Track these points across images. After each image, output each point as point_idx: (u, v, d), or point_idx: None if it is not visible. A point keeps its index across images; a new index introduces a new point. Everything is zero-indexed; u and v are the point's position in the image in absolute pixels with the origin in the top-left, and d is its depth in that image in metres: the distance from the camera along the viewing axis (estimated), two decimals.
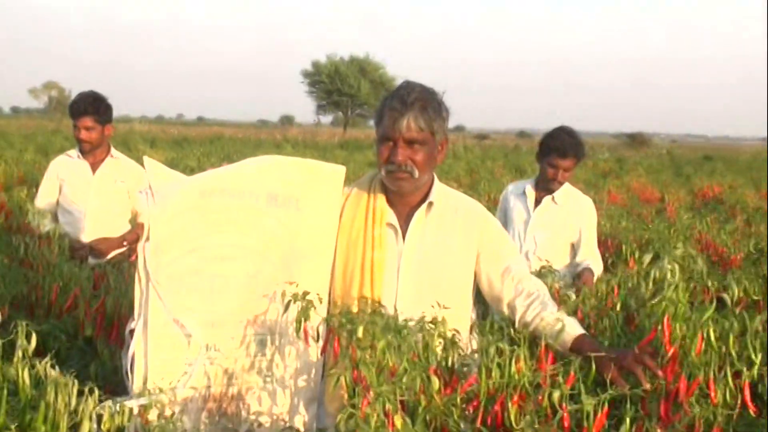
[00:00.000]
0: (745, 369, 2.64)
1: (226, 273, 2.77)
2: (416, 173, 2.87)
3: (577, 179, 15.99)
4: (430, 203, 2.98)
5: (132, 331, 2.65)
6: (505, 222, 5.25)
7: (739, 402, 2.65)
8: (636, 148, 51.83)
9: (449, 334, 2.58)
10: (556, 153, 4.95)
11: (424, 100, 2.86)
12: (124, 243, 5.23)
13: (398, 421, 2.20)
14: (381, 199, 2.98)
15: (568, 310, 3.37)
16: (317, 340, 2.64)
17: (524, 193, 5.20)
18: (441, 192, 3.03)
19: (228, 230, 2.79)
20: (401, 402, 2.31)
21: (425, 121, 2.84)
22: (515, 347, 2.50)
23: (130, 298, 2.76)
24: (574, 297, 3.66)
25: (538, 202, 5.13)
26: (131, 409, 2.35)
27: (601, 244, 6.04)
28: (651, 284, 2.75)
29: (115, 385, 2.93)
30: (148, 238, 2.66)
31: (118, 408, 2.27)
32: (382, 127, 2.89)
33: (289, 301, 2.57)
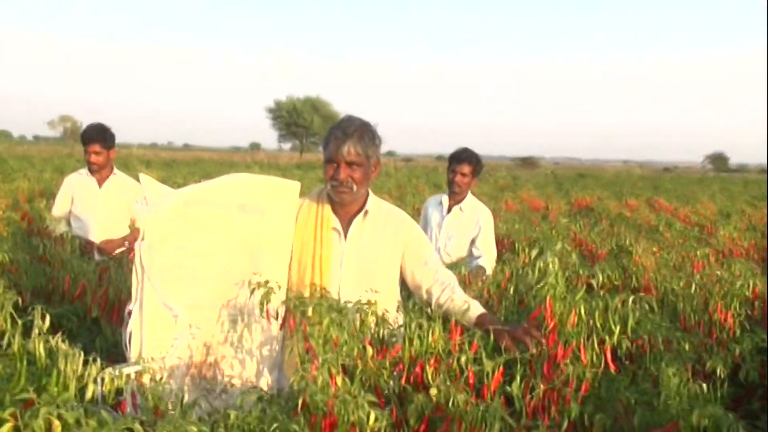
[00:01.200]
0: (607, 337, 2.70)
1: (205, 267, 2.75)
2: (355, 188, 2.91)
3: (481, 193, 16.16)
4: (366, 211, 3.01)
5: (130, 313, 2.62)
6: (426, 226, 5.30)
7: (602, 363, 2.71)
8: (527, 168, 52.50)
9: (380, 313, 2.60)
10: (456, 161, 5.09)
11: (361, 131, 2.89)
12: (126, 243, 5.16)
13: (339, 381, 2.20)
14: (327, 208, 3.00)
15: (474, 294, 3.41)
16: (277, 319, 2.64)
17: (441, 203, 5.26)
18: (375, 203, 3.07)
19: (207, 233, 2.77)
20: (342, 366, 2.32)
21: (362, 148, 2.88)
22: (431, 323, 2.53)
23: (129, 287, 2.73)
24: (480, 284, 3.71)
25: (449, 210, 5.19)
26: (129, 375, 2.33)
27: (499, 242, 6.11)
28: (536, 273, 2.78)
29: (116, 355, 2.90)
30: (143, 239, 2.64)
31: (117, 373, 2.25)
32: (328, 152, 2.91)
33: (254, 288, 2.57)
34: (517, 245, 5.62)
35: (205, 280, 2.75)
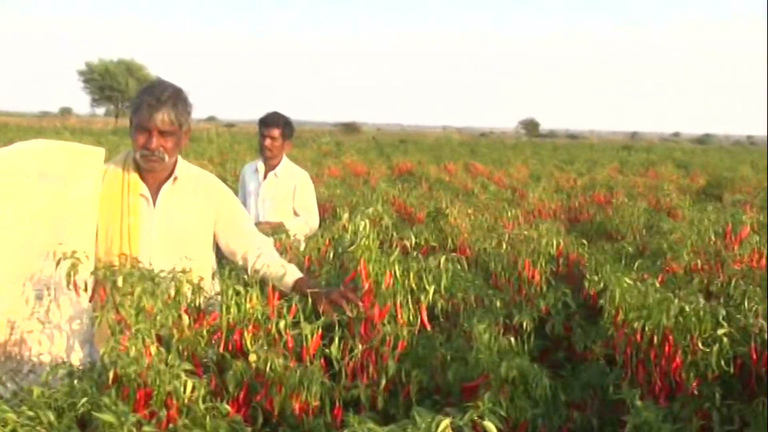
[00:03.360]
0: (422, 297, 2.79)
1: (3, 239, 2.60)
2: (166, 158, 2.85)
3: (304, 158, 16.17)
4: (175, 177, 2.95)
5: None
6: (244, 193, 5.25)
7: (419, 321, 2.81)
8: (350, 134, 53.02)
9: (196, 281, 2.56)
10: (264, 125, 5.07)
11: (175, 98, 2.82)
12: None
13: (154, 351, 2.16)
14: (134, 174, 2.92)
15: (297, 259, 3.43)
16: (86, 290, 2.55)
17: (256, 169, 5.22)
18: (184, 168, 3.01)
19: (4, 203, 2.62)
20: (157, 336, 2.27)
21: (175, 116, 2.80)
22: (249, 289, 2.52)
23: None
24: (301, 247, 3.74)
25: (265, 176, 5.16)
26: None
27: (321, 207, 6.15)
28: (350, 236, 2.84)
29: None
30: None
31: None
32: (139, 118, 2.81)
33: (60, 260, 2.46)
34: (338, 210, 5.69)
35: (5, 253, 2.60)
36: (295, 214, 5.09)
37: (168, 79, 2.97)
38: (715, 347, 2.93)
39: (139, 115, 2.81)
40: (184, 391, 2.07)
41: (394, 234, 4.31)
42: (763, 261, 4.38)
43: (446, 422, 1.45)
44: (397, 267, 2.70)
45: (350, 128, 59.69)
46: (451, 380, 2.74)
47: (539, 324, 3.78)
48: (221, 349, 2.46)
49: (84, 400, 1.99)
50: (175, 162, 2.97)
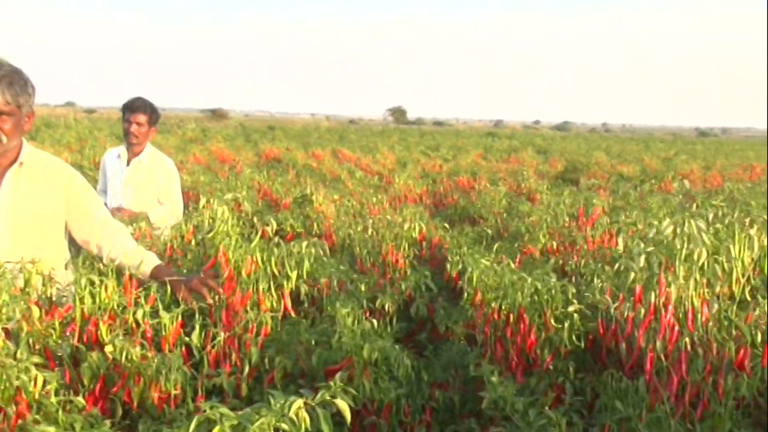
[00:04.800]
0: (285, 282, 2.80)
1: None
2: (5, 140, 2.69)
3: (168, 145, 15.77)
4: (21, 163, 2.79)
5: None
6: (104, 181, 5.08)
7: (282, 307, 2.82)
8: (217, 120, 52.08)
9: (47, 272, 2.46)
10: (130, 110, 4.90)
11: (11, 78, 2.66)
12: None
13: (0, 344, 2.06)
14: None
15: (158, 247, 3.35)
16: None
17: (119, 156, 5.04)
18: (31, 153, 2.85)
19: None
20: (5, 330, 2.17)
21: (12, 96, 2.64)
22: (104, 278, 2.44)
23: None
24: (166, 235, 3.65)
25: (129, 163, 5.00)
26: None
27: (185, 194, 6.04)
28: (209, 222, 2.81)
29: None
30: None
31: None
32: None
33: None
34: (201, 197, 5.59)
35: None
36: (159, 202, 4.96)
37: (21, 64, 2.80)
38: (567, 323, 3.08)
39: None
40: (35, 386, 1.99)
41: (256, 220, 4.28)
42: (614, 241, 4.61)
43: (299, 403, 1.47)
44: (258, 253, 2.69)
45: (217, 115, 58.59)
46: (315, 365, 2.76)
47: (404, 306, 3.86)
48: (76, 342, 2.38)
49: None
50: (20, 147, 2.82)
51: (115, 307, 2.43)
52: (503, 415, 2.67)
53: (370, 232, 4.37)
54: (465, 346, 3.44)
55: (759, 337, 2.68)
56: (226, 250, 2.64)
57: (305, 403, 1.50)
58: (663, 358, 2.65)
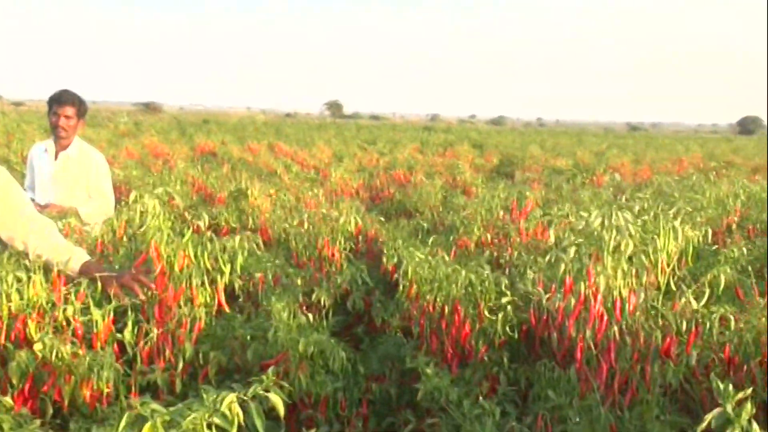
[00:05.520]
0: (218, 277, 2.77)
1: None
2: None
3: (100, 139, 15.44)
4: None
5: None
6: (32, 176, 4.95)
7: (216, 302, 2.80)
8: (151, 113, 51.24)
9: None
10: (57, 103, 4.78)
11: None
12: None
13: None
14: None
15: (89, 243, 3.28)
16: None
17: (46, 150, 4.91)
18: None
19: None
20: None
21: None
22: (31, 275, 2.39)
23: None
24: (96, 231, 3.59)
25: (57, 157, 4.88)
26: None
27: (117, 189, 5.93)
28: (139, 217, 2.76)
29: None
30: None
31: None
32: None
33: None
34: (133, 193, 5.49)
35: None
36: (89, 197, 4.86)
37: None
38: (501, 315, 3.13)
39: None
40: None
41: (188, 215, 4.24)
42: (546, 233, 4.69)
43: (231, 397, 1.46)
44: (191, 248, 2.66)
45: (151, 108, 57.65)
46: (251, 359, 2.75)
47: (341, 300, 3.87)
48: (2, 341, 2.32)
49: None
50: None
51: (44, 304, 2.38)
52: (439, 406, 2.71)
53: (306, 227, 4.36)
54: (401, 338, 3.47)
55: (684, 326, 2.77)
56: (158, 246, 2.60)
57: (238, 398, 1.49)
58: (593, 347, 2.72)
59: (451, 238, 4.84)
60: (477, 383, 3.06)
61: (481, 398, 2.68)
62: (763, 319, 2.75)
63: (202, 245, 2.69)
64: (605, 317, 2.72)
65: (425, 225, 5.40)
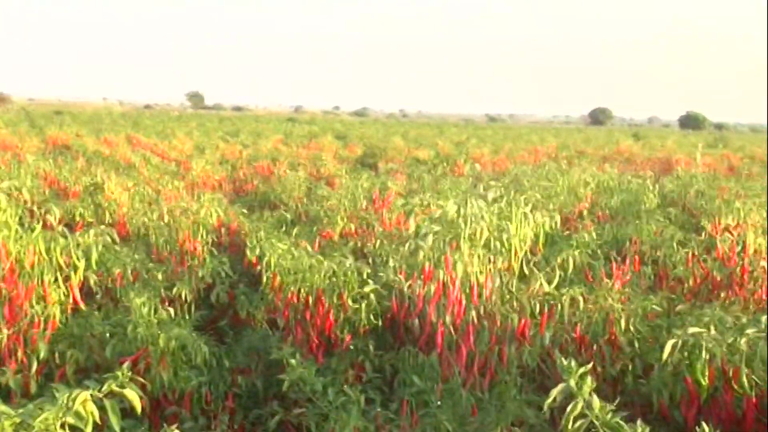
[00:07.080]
0: (72, 273, 2.68)
1: None
2: None
3: None
4: None
5: None
6: None
7: (71, 299, 2.70)
8: None
9: None
10: None
11: None
12: None
13: None
14: None
15: None
16: None
17: None
18: None
19: None
20: None
21: None
22: None
23: None
24: None
25: None
26: None
27: None
28: None
29: None
30: None
31: None
32: None
33: None
34: None
35: None
36: None
37: None
38: (364, 303, 3.18)
39: None
40: None
41: (37, 209, 4.06)
42: (408, 223, 4.78)
43: (84, 395, 1.42)
44: (41, 243, 2.56)
45: None
46: (110, 356, 2.68)
47: (204, 294, 3.82)
48: None
49: None
50: None
51: None
52: (306, 396, 2.72)
53: (166, 220, 4.27)
54: (267, 330, 3.46)
55: (538, 308, 2.91)
56: (6, 242, 2.49)
57: (93, 396, 1.45)
58: (452, 332, 2.81)
59: (315, 229, 4.86)
60: (343, 372, 3.10)
61: (346, 386, 2.72)
62: (610, 300, 2.93)
63: (54, 240, 2.59)
64: (463, 302, 2.82)
65: (289, 217, 5.40)
